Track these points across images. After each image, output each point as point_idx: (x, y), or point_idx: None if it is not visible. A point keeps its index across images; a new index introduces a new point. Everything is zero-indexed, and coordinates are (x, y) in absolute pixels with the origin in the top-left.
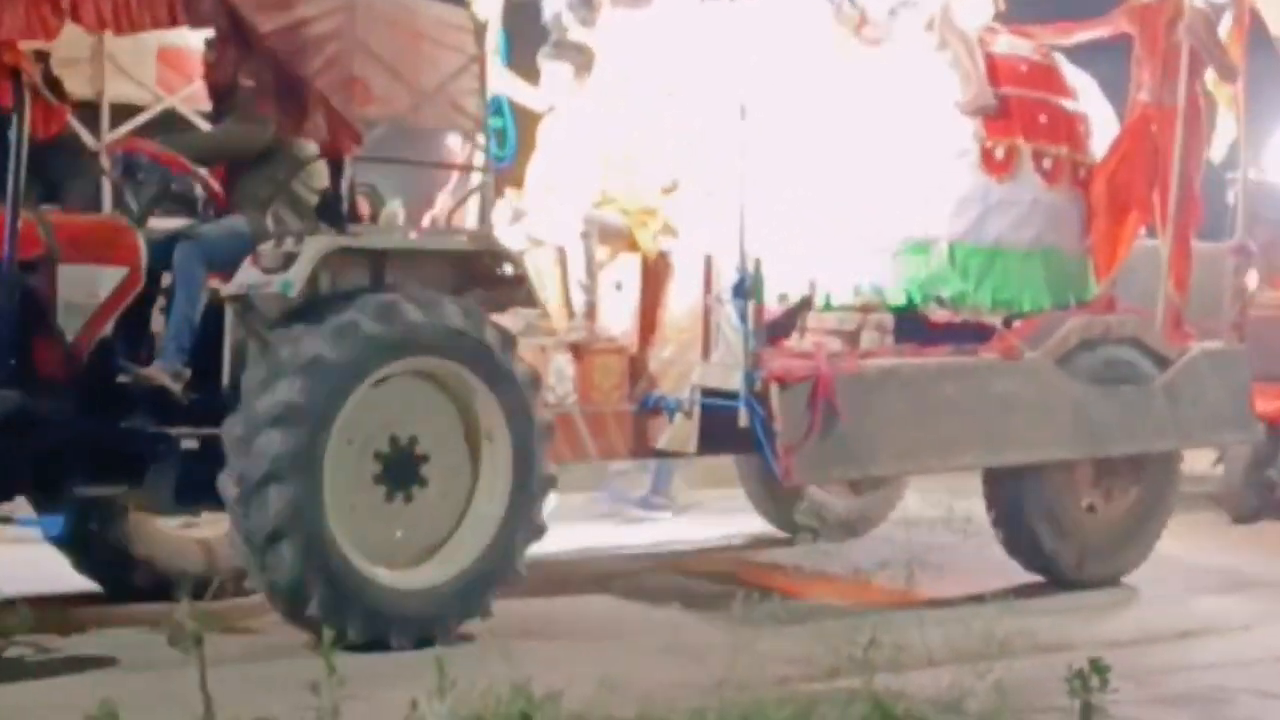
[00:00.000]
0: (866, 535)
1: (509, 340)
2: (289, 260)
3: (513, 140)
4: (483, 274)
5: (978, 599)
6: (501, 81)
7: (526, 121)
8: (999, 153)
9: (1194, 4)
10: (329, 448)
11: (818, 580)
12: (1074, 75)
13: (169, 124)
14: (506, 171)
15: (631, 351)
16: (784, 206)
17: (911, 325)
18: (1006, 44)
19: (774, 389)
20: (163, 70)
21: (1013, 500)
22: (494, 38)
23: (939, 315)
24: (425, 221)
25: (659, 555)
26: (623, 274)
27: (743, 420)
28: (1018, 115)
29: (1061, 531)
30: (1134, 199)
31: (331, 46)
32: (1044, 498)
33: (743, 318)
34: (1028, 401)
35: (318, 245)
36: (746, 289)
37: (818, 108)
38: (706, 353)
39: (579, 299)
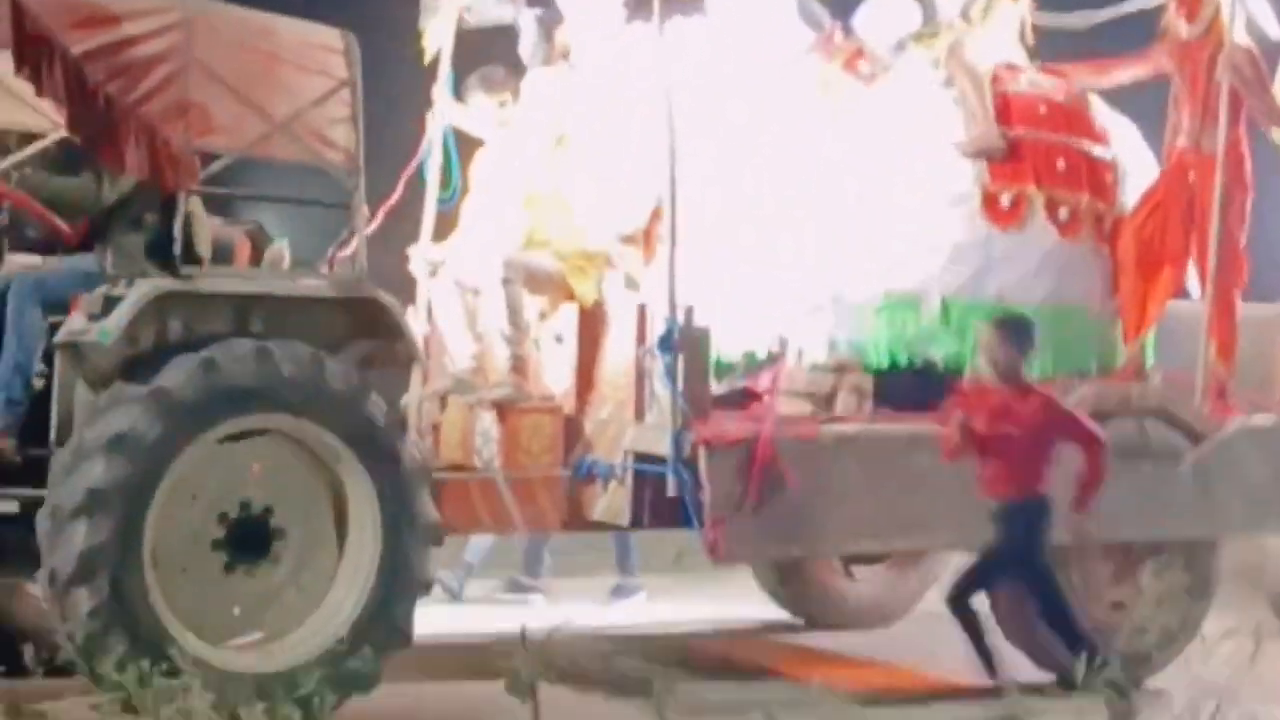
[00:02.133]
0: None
1: (376, 396)
2: (110, 305)
3: (457, 179)
4: (369, 324)
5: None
6: (451, 114)
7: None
8: (1005, 200)
9: (1237, 40)
10: (148, 521)
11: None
12: (1108, 118)
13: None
14: (450, 213)
15: (567, 411)
16: (752, 255)
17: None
18: (1027, 82)
19: (703, 454)
20: None
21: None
22: (444, 68)
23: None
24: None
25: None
26: (563, 325)
27: (671, 489)
28: (1030, 159)
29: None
30: (1167, 254)
31: (161, 69)
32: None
33: (670, 374)
34: None
35: (141, 290)
36: (675, 342)
37: (794, 147)
38: (640, 413)
39: (503, 352)
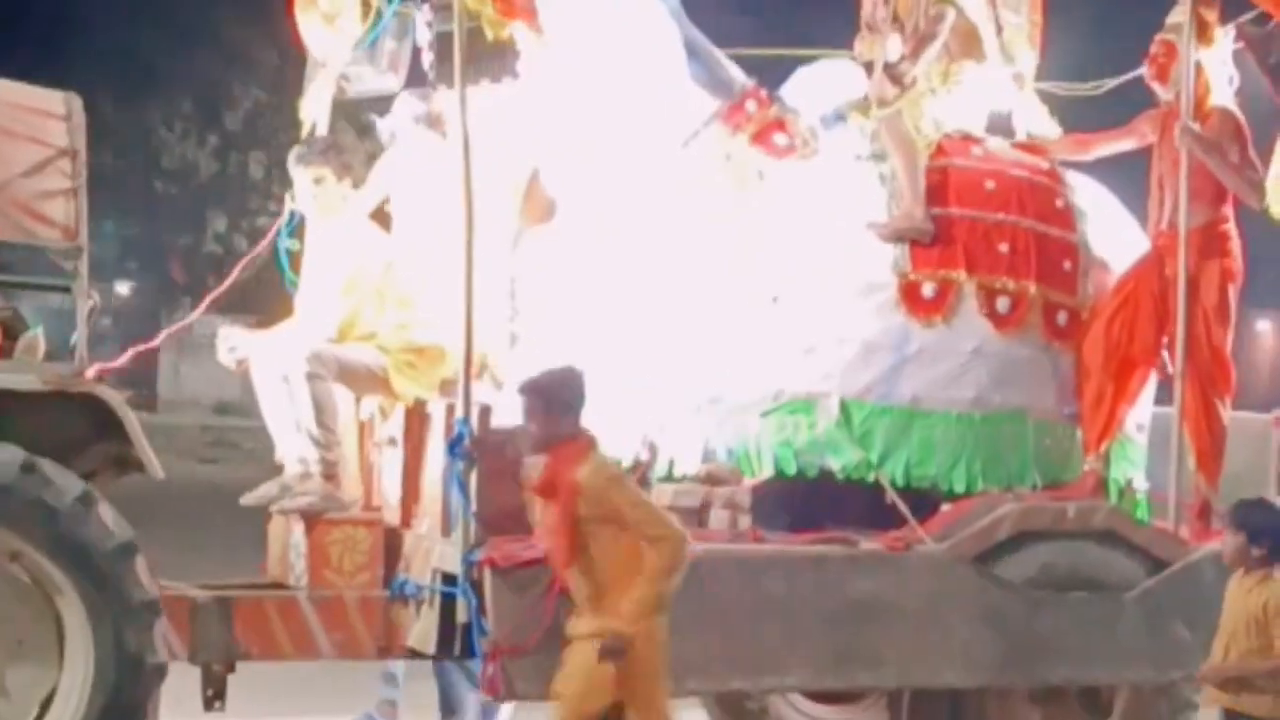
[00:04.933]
0: None
1: (105, 512)
2: None
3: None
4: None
5: None
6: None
7: None
8: (927, 288)
9: (1218, 102)
10: None
11: None
12: (1083, 195)
13: None
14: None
15: (392, 523)
16: (623, 349)
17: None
18: (980, 156)
19: (488, 576)
20: None
21: None
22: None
23: None
24: None
25: None
26: (397, 427)
27: (461, 614)
28: (963, 243)
29: None
30: (1138, 352)
31: None
32: None
33: (460, 483)
34: (908, 609)
35: None
36: (466, 448)
37: (677, 227)
38: (446, 528)
39: (312, 455)
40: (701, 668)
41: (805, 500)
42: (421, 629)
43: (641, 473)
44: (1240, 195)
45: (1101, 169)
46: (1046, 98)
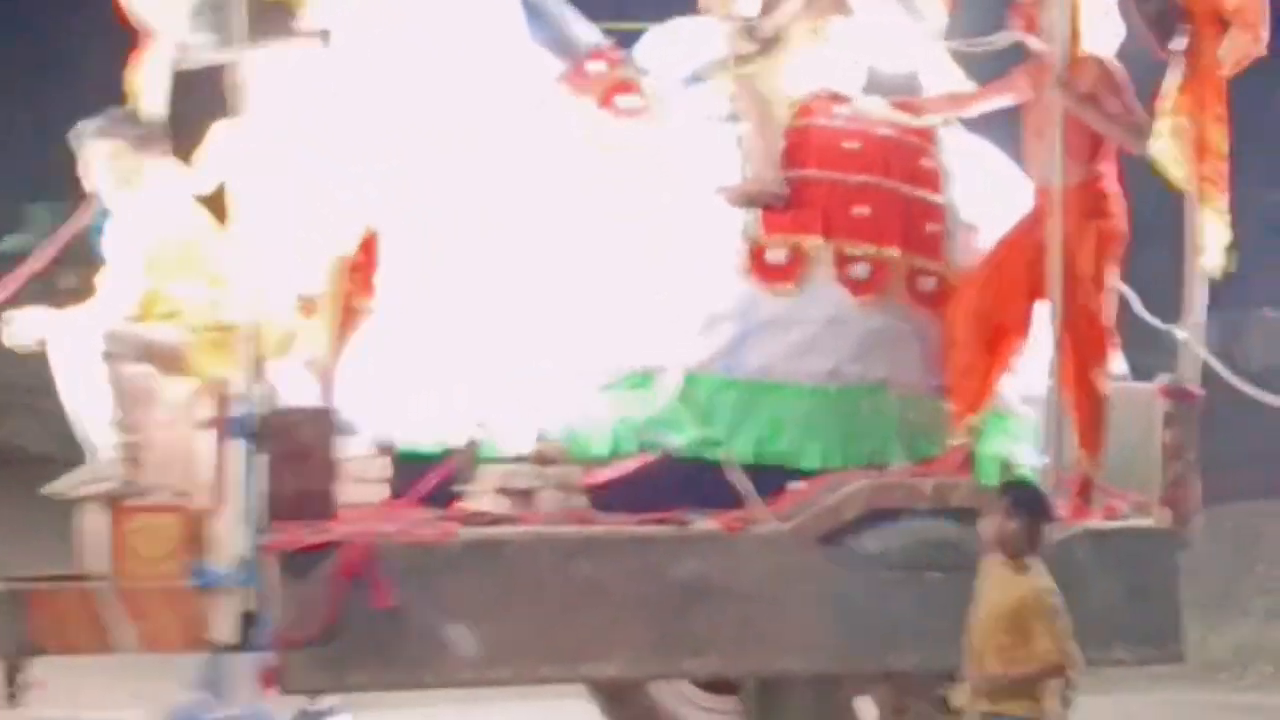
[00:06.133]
0: None
1: None
2: None
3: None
4: None
5: None
6: None
7: None
8: (777, 255)
9: (1091, 53)
10: None
11: None
12: (962, 157)
13: None
14: None
15: (202, 509)
16: (451, 324)
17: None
18: (847, 116)
19: (272, 562)
20: None
21: None
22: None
23: None
24: None
25: None
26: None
27: (247, 603)
28: (820, 207)
29: None
30: (1011, 320)
31: None
32: None
33: (247, 465)
34: (741, 592)
35: None
36: (249, 426)
37: (509, 194)
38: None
39: (111, 440)
40: (510, 656)
41: (685, 484)
42: (222, 620)
43: (470, 454)
44: (1121, 143)
45: None
46: (962, 58)
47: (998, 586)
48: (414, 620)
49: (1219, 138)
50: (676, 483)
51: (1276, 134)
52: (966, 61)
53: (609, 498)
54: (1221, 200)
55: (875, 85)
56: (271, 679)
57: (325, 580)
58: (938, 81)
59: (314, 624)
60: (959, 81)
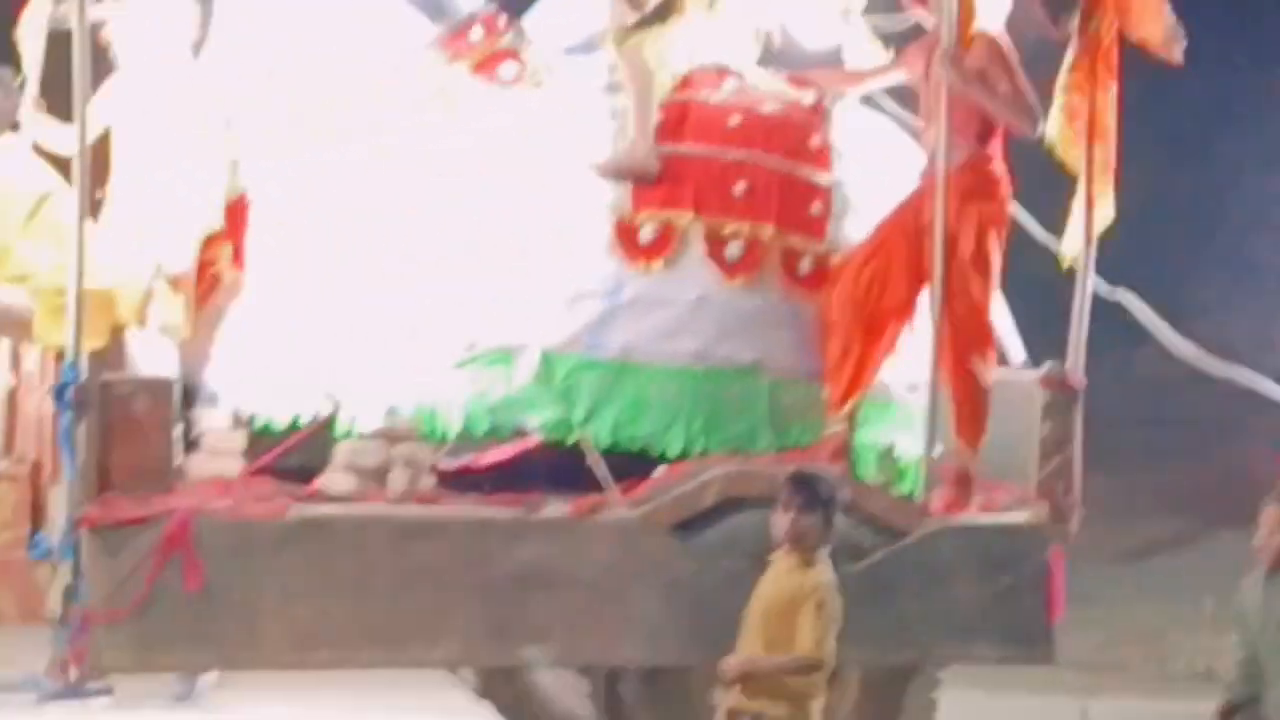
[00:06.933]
0: None
1: None
2: None
3: None
4: None
5: None
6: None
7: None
8: (646, 231)
9: (983, 31)
10: None
11: None
12: (855, 135)
13: None
14: None
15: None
16: (307, 297)
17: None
18: (731, 90)
19: (84, 537)
20: None
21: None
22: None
23: None
24: None
25: None
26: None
27: (65, 577)
28: (694, 183)
29: None
30: (890, 304)
31: None
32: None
33: (68, 436)
34: (583, 580)
35: None
36: (72, 395)
37: (369, 164)
38: None
39: None
40: (332, 639)
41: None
42: (54, 592)
43: (319, 429)
44: (1010, 125)
45: None
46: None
47: (777, 579)
48: (233, 600)
49: (1109, 116)
50: (568, 468)
51: None
52: (886, 40)
53: (494, 480)
54: (1106, 181)
55: (794, 61)
56: (81, 656)
57: (141, 556)
58: (859, 59)
59: (124, 601)
60: (880, 58)
